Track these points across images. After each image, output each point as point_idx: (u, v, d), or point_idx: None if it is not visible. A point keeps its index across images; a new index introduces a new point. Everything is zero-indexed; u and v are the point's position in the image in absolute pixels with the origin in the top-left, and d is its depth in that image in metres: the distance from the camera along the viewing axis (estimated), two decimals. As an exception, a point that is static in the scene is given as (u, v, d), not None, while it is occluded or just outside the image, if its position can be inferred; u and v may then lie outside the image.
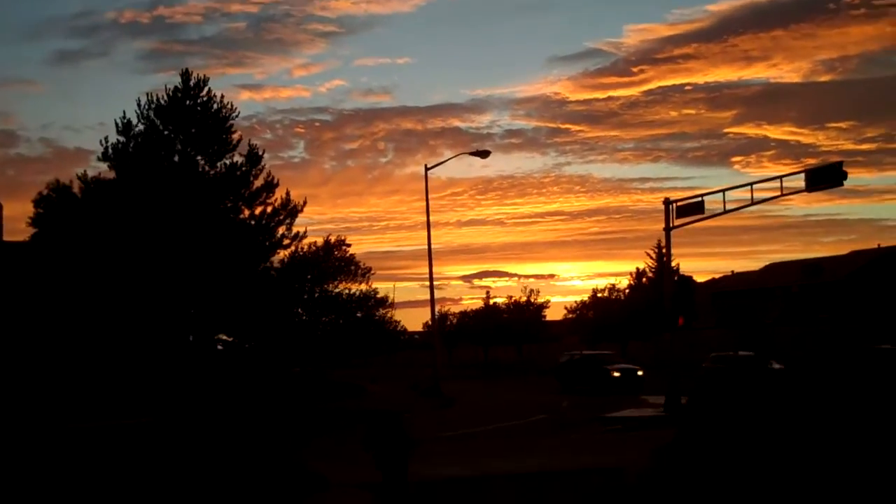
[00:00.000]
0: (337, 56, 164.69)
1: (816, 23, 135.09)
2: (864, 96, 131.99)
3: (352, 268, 48.34)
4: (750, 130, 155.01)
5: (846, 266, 73.14)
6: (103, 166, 41.74)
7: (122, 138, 41.24)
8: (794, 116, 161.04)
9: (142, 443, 22.69)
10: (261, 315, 43.67)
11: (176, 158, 41.59)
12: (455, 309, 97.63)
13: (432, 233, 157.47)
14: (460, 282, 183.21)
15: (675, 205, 32.58)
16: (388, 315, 55.09)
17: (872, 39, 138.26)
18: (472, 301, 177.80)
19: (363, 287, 49.97)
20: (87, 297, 39.44)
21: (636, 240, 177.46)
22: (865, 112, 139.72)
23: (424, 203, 44.49)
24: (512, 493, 17.69)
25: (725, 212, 31.33)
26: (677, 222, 32.78)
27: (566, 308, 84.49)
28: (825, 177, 28.71)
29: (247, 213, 43.03)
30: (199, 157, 41.94)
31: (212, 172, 42.22)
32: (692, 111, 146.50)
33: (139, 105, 41.50)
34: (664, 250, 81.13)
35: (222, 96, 42.36)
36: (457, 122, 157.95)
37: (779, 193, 30.46)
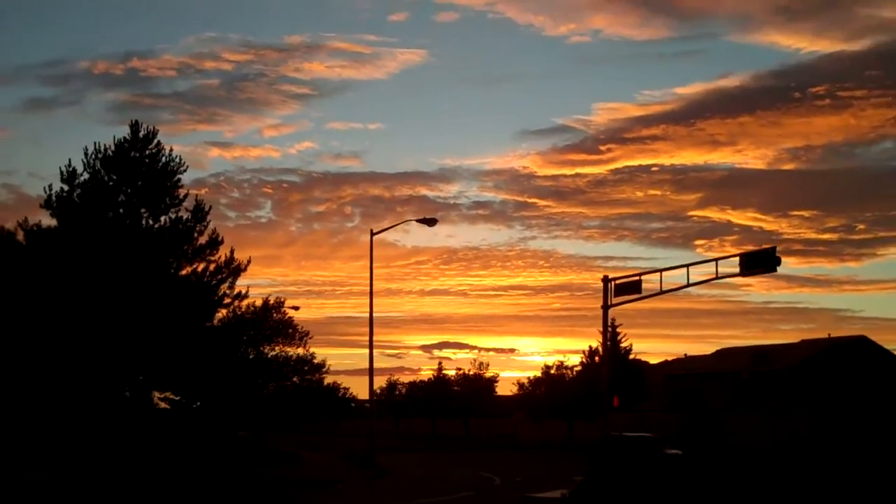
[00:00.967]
0: (308, 118, 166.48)
1: (782, 111, 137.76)
2: (826, 186, 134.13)
3: (289, 331, 47.41)
4: (714, 214, 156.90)
5: (795, 354, 73.19)
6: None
7: (65, 186, 40.56)
8: (757, 202, 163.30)
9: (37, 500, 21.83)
10: (198, 374, 42.81)
11: (120, 210, 40.92)
12: (407, 379, 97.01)
13: (395, 300, 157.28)
14: (420, 351, 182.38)
15: (613, 283, 32.31)
16: (333, 382, 54.45)
17: (836, 130, 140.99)
18: (430, 372, 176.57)
19: (300, 351, 48.99)
20: (20, 349, 38.52)
21: (598, 318, 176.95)
22: (828, 202, 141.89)
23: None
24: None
25: (662, 292, 31.16)
26: (615, 300, 32.44)
27: (515, 383, 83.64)
28: (759, 261, 28.62)
29: (188, 269, 42.35)
30: (142, 210, 41.33)
31: (155, 226, 41.57)
32: (658, 192, 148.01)
33: (86, 154, 40.94)
34: (610, 329, 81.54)
35: (171, 149, 41.94)
36: (424, 191, 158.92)
37: (713, 276, 30.28)
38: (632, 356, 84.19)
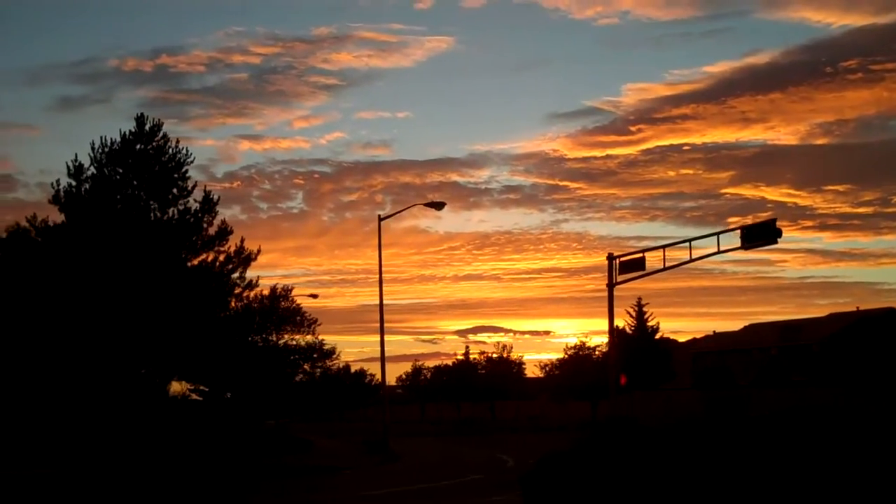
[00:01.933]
0: (337, 108, 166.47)
1: (814, 86, 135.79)
2: (860, 160, 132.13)
3: (297, 318, 47.31)
4: (747, 191, 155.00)
5: (824, 329, 72.21)
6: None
7: (73, 181, 40.61)
8: (791, 178, 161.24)
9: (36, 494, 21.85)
10: (212, 363, 42.97)
11: (127, 203, 40.92)
12: (432, 364, 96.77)
13: (429, 286, 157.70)
14: (455, 336, 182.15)
15: (617, 260, 31.84)
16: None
17: (869, 104, 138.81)
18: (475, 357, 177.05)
19: (309, 338, 48.90)
20: (37, 344, 38.72)
21: (633, 297, 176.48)
22: (862, 176, 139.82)
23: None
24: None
25: (665, 269, 30.68)
26: (620, 278, 31.96)
27: (538, 365, 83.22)
28: (760, 234, 28.04)
29: (197, 260, 42.36)
30: (150, 202, 41.28)
31: (164, 218, 41.55)
32: (690, 171, 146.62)
33: (92, 148, 40.98)
34: (636, 308, 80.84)
35: (177, 141, 41.84)
36: (455, 177, 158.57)
37: (716, 251, 29.73)
38: (659, 335, 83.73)
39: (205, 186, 42.45)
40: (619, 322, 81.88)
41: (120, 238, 39.22)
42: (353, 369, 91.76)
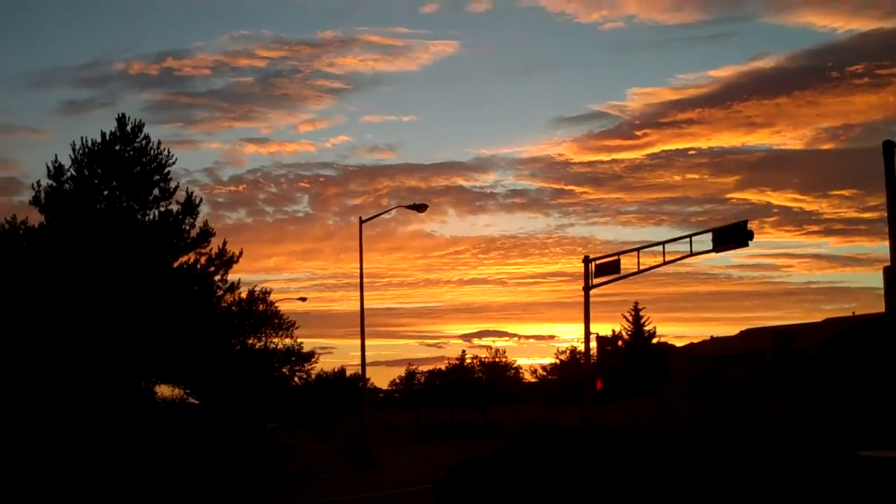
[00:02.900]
0: (343, 112, 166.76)
1: (820, 91, 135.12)
2: (866, 165, 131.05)
3: (276, 321, 46.94)
4: (753, 196, 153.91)
5: (820, 334, 71.52)
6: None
7: (53, 182, 40.35)
8: (797, 183, 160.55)
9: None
10: (196, 367, 42.67)
11: (107, 204, 40.65)
12: (426, 368, 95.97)
13: (434, 290, 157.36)
14: (460, 341, 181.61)
15: (593, 263, 31.40)
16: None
17: (875, 108, 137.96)
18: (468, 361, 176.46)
19: (287, 341, 48.53)
20: (19, 346, 38.44)
21: (641, 302, 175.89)
22: (868, 180, 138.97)
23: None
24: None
25: (639, 272, 30.19)
26: (595, 281, 31.52)
27: (530, 370, 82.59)
28: (730, 237, 27.60)
29: (179, 261, 42.08)
30: (131, 203, 41.02)
31: (145, 220, 41.29)
32: (695, 175, 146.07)
33: (73, 149, 40.75)
34: (632, 313, 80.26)
35: (159, 142, 41.62)
36: (461, 181, 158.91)
37: (688, 253, 29.26)
38: (656, 340, 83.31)
39: (187, 188, 42.21)
40: (616, 327, 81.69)
41: (100, 240, 38.92)
42: (349, 373, 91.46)
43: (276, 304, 46.93)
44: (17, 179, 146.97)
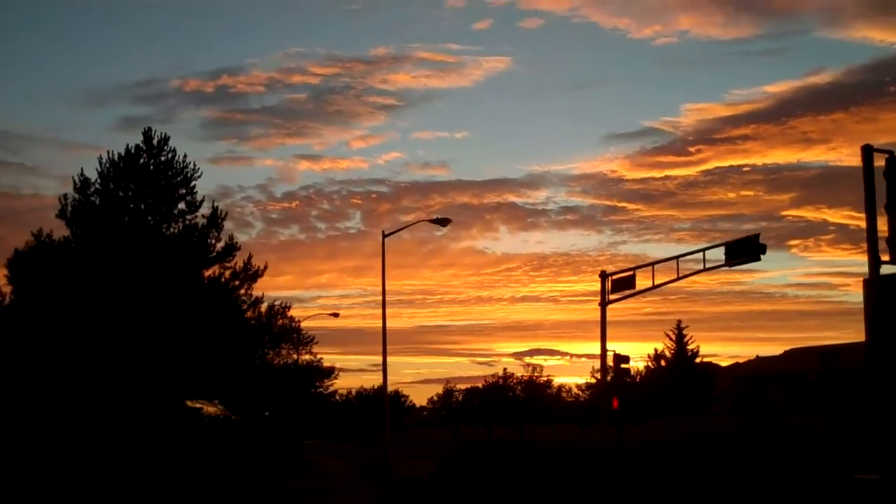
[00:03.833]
0: (395, 128, 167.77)
1: (876, 106, 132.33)
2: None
3: (294, 336, 46.60)
4: (808, 213, 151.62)
5: (863, 353, 69.76)
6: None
7: (78, 196, 40.46)
8: (852, 200, 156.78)
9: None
10: (219, 380, 42.57)
11: (133, 217, 40.67)
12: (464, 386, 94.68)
13: (486, 307, 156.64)
14: (511, 359, 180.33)
15: (610, 279, 30.67)
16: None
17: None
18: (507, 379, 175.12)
19: (306, 357, 48.18)
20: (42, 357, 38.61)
21: (692, 321, 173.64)
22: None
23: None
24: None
25: (654, 287, 29.26)
26: (612, 297, 30.76)
27: (565, 389, 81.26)
28: (743, 250, 26.72)
29: (206, 274, 42.00)
30: (157, 217, 41.01)
31: (169, 233, 41.25)
32: (750, 192, 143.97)
33: (100, 162, 40.83)
34: (675, 332, 78.94)
35: (185, 156, 41.57)
36: (512, 198, 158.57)
37: (702, 267, 28.38)
38: (699, 359, 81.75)
39: (213, 202, 42.14)
40: (659, 345, 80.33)
41: (124, 252, 38.94)
42: (392, 390, 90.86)
43: (299, 320, 46.79)
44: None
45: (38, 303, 39.33)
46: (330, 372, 51.75)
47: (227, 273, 42.05)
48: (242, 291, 42.46)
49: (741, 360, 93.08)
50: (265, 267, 43.04)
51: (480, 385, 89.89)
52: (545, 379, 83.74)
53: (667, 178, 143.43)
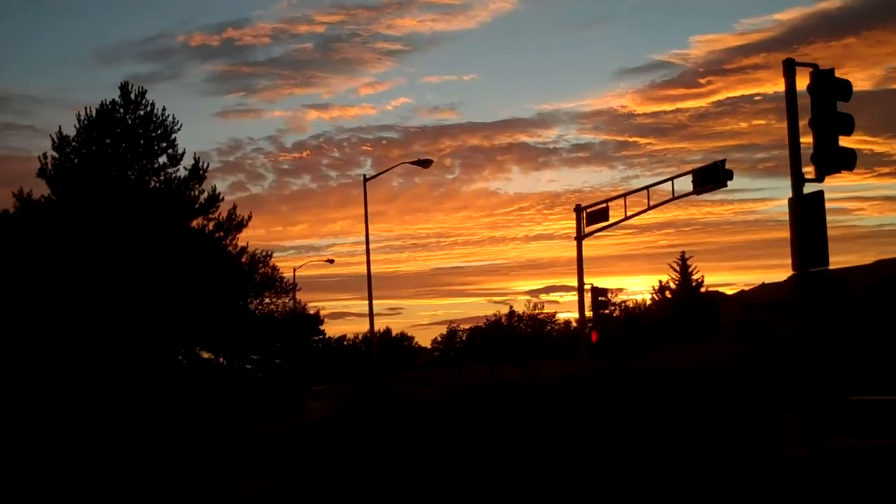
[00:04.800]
0: (403, 74, 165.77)
1: (889, 29, 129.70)
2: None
3: (277, 283, 46.63)
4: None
5: (870, 276, 69.36)
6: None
7: (57, 154, 40.31)
8: (866, 124, 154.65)
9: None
10: (211, 330, 42.71)
11: (112, 172, 40.53)
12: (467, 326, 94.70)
13: (500, 247, 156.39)
14: (527, 297, 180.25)
15: (585, 212, 30.40)
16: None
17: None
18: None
19: (289, 303, 48.23)
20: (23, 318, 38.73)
21: (705, 252, 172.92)
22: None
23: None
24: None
25: (626, 218, 29.08)
26: (588, 229, 30.54)
27: (569, 322, 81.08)
28: (709, 177, 26.40)
29: (192, 225, 41.97)
30: (137, 172, 40.88)
31: (153, 186, 41.16)
32: (762, 122, 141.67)
33: (78, 119, 40.65)
34: (679, 262, 78.61)
35: (164, 109, 41.32)
36: (523, 137, 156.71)
37: (670, 197, 28.07)
38: (703, 289, 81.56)
39: (194, 154, 42.02)
40: (664, 277, 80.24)
41: (105, 208, 38.88)
42: (409, 333, 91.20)
43: (280, 268, 46.86)
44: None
45: (21, 262, 39.40)
46: (316, 318, 51.80)
47: (211, 224, 41.99)
48: (227, 242, 42.28)
49: (742, 288, 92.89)
50: (249, 217, 43.06)
51: (476, 325, 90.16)
52: (546, 315, 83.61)
53: (678, 110, 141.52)
